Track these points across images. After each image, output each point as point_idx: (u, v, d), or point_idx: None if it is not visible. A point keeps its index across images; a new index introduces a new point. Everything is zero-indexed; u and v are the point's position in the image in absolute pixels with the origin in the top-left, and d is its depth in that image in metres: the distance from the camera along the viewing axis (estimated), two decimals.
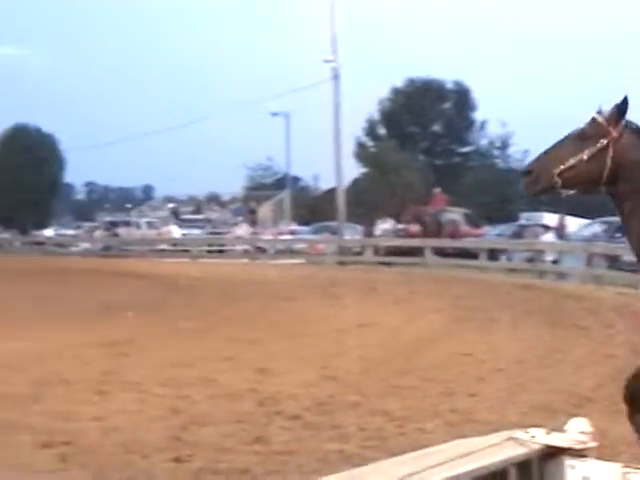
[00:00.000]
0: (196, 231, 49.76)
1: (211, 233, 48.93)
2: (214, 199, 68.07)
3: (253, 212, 48.46)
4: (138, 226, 51.39)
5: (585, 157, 4.46)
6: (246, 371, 9.56)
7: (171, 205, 69.59)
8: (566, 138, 4.62)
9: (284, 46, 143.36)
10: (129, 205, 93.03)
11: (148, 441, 6.37)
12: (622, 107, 4.47)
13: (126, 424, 6.94)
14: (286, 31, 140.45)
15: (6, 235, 54.23)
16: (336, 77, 39.91)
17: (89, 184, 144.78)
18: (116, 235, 48.15)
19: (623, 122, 4.47)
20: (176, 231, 47.21)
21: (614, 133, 4.44)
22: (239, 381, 8.89)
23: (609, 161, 4.45)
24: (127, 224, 52.39)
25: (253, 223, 45.98)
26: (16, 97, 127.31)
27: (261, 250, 39.11)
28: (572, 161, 4.48)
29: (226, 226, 51.55)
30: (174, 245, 44.07)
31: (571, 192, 4.62)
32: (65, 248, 47.46)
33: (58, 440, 6.37)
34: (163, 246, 44.05)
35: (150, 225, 51.91)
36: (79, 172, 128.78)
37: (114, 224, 52.72)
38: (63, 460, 5.92)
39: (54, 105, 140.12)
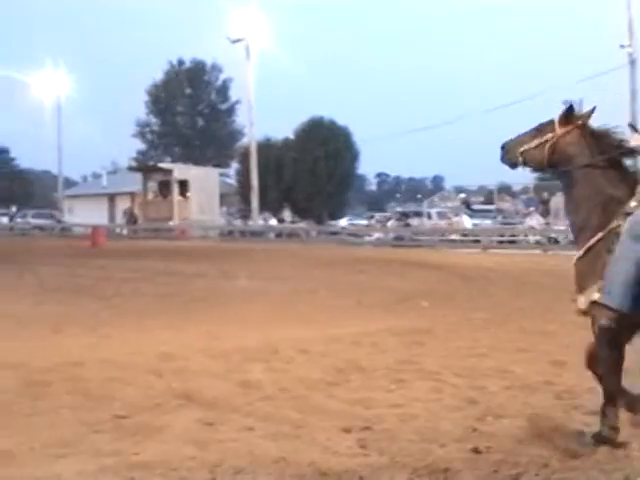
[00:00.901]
0: (487, 221, 49.54)
1: (502, 223, 48.53)
2: (505, 189, 67.42)
3: (545, 202, 47.39)
4: (429, 216, 51.85)
5: (533, 145, 6.18)
6: (541, 363, 9.37)
7: (462, 195, 69.70)
8: (534, 128, 6.28)
9: (577, 33, 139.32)
10: (419, 195, 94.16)
11: (445, 430, 6.39)
12: (567, 112, 6.07)
13: (423, 412, 7.00)
14: (580, 19, 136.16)
15: (303, 225, 56.45)
16: (632, 62, 38.34)
17: (380, 175, 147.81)
18: (408, 225, 48.79)
19: (578, 123, 6.05)
20: (467, 221, 47.20)
21: (559, 131, 6.06)
22: (534, 373, 8.73)
23: (546, 152, 6.09)
24: (418, 214, 53.02)
25: (545, 213, 45.00)
26: (311, 91, 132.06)
27: (554, 241, 38.26)
28: (526, 146, 6.21)
29: (517, 216, 50.93)
30: (464, 235, 44.08)
31: (530, 169, 6.47)
32: (359, 238, 48.64)
33: (357, 425, 6.53)
34: (454, 236, 44.19)
35: (441, 215, 52.23)
36: (371, 163, 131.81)
37: (405, 214, 53.52)
38: (362, 445, 6.06)
39: (347, 97, 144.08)
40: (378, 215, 66.73)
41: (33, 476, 5.34)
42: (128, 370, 8.67)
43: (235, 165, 78.66)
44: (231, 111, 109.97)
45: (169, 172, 62.95)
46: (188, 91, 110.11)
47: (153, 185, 65.90)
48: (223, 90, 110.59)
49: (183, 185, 62.08)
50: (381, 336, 11.36)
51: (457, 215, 50.78)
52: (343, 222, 61.28)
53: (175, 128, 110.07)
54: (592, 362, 5.95)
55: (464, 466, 5.45)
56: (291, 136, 65.89)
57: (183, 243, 46.62)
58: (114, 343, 10.61)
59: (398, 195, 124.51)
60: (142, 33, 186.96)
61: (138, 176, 67.81)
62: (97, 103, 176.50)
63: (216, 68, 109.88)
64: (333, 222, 59.53)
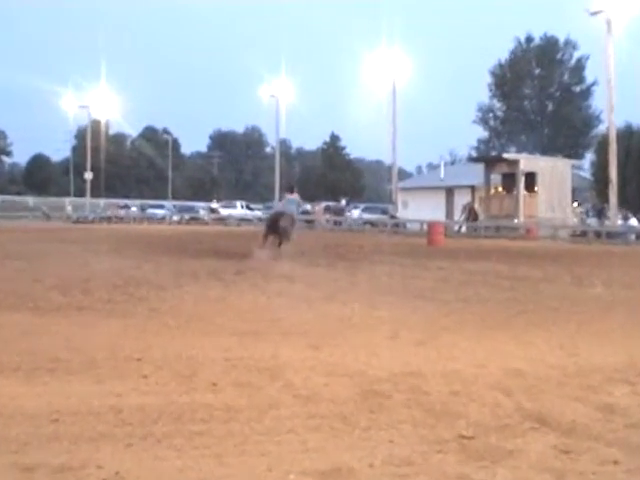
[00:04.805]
0: None
1: None
2: None
3: None
4: None
5: None
6: None
7: None
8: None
9: None
10: None
11: None
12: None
13: None
14: None
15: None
16: None
17: None
18: None
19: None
20: None
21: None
22: None
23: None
24: None
25: None
26: None
27: None
28: None
29: None
30: None
31: None
32: None
33: None
34: None
35: None
36: None
37: None
38: None
39: None
40: None
41: None
42: (472, 385, 8.70)
43: (590, 156, 77.27)
44: (587, 94, 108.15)
45: (515, 163, 62.66)
46: (537, 71, 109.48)
47: (496, 178, 65.91)
48: (578, 70, 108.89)
49: (530, 178, 61.60)
50: None
51: None
52: None
53: (521, 113, 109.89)
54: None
55: None
56: None
57: (529, 243, 46.34)
58: (454, 354, 10.67)
59: None
60: (487, 7, 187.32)
61: (479, 167, 68.21)
62: (434, 86, 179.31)
63: (570, 44, 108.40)
64: None
